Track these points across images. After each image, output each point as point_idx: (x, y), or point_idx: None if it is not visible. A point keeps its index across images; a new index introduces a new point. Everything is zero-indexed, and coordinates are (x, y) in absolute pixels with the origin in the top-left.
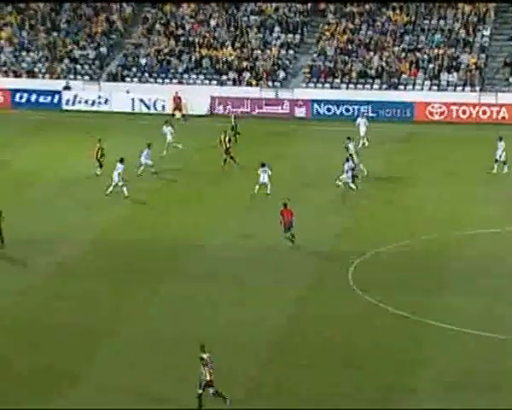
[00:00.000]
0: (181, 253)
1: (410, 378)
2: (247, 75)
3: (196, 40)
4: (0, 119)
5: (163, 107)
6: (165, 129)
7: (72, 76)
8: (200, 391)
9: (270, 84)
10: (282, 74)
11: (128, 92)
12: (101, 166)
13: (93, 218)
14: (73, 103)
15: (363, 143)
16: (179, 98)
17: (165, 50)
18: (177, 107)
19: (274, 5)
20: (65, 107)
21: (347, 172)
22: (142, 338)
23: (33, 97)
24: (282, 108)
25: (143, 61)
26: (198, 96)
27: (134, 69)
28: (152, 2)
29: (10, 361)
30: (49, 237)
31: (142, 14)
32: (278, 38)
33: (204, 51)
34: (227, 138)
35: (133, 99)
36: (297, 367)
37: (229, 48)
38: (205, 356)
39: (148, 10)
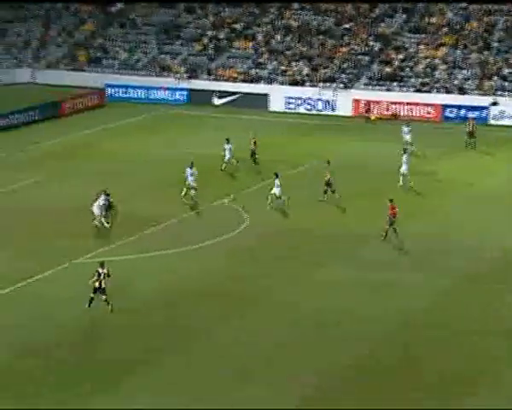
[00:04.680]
0: None
1: None
2: None
3: None
4: (432, 132)
5: None
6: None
7: (500, 92)
8: (92, 295)
9: None
10: None
11: None
12: None
13: None
14: (500, 118)
15: None
16: (369, 103)
17: None
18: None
19: None
20: (491, 121)
21: None
22: None
23: (462, 112)
24: None
25: None
26: None
27: None
28: None
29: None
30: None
31: None
32: None
33: None
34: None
35: None
36: None
37: None
38: (100, 271)
39: None
